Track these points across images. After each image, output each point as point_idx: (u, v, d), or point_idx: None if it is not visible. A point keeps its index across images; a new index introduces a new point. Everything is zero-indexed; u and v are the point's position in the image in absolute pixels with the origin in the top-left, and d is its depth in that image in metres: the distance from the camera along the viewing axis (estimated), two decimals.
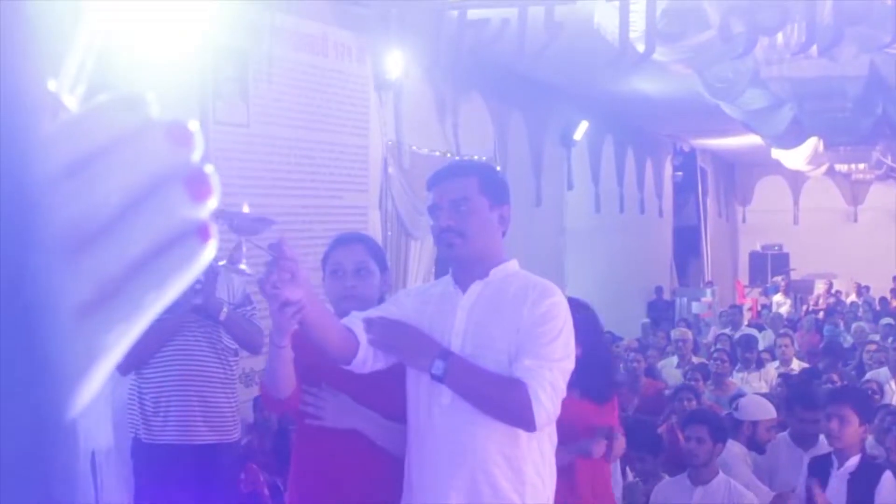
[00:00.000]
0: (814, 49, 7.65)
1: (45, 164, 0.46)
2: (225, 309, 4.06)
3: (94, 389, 0.49)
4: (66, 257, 0.46)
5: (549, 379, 2.55)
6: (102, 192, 0.47)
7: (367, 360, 2.67)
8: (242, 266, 2.32)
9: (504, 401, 2.58)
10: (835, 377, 7.57)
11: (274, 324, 2.47)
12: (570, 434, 3.71)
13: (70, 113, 0.50)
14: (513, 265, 2.79)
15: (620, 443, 3.75)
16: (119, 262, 0.47)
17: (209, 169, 0.50)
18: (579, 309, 3.94)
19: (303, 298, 2.31)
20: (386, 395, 2.84)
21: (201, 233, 0.49)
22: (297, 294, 2.29)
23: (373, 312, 2.78)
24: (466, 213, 2.69)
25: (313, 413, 2.86)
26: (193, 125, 0.50)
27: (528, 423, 2.57)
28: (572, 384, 3.78)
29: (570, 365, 2.66)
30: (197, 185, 0.49)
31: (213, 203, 0.50)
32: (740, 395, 6.50)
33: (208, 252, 0.49)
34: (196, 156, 0.49)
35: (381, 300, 3.07)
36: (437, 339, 2.69)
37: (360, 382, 2.77)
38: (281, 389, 2.72)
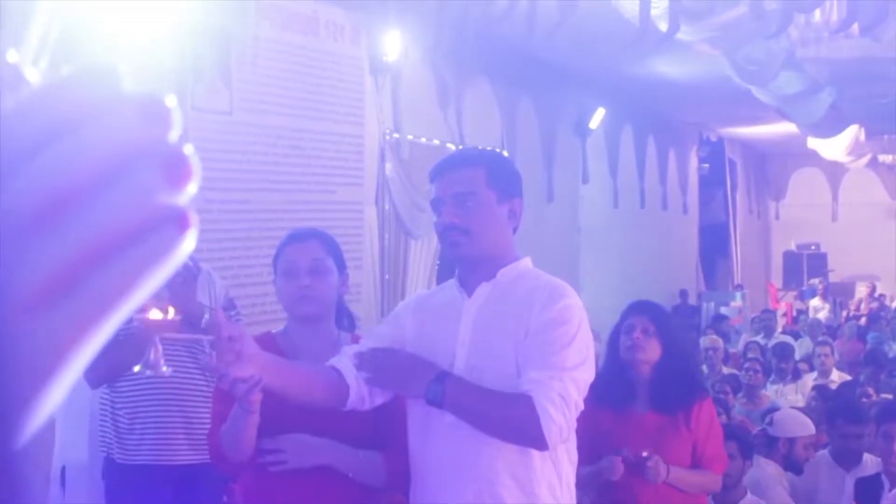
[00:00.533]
0: (855, 27, 7.63)
1: (5, 141, 0.45)
2: (207, 315, 4.05)
3: (55, 403, 0.48)
4: (18, 241, 0.45)
5: (558, 390, 2.53)
6: (67, 174, 0.46)
7: (363, 397, 2.70)
8: (164, 368, 2.34)
9: (509, 420, 2.57)
10: (870, 390, 7.55)
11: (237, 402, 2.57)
12: (642, 448, 3.72)
13: (32, 87, 0.49)
14: (525, 264, 2.78)
15: (656, 463, 3.72)
16: (80, 250, 0.46)
17: (188, 150, 0.49)
18: (648, 312, 3.97)
19: (254, 374, 2.37)
20: (350, 423, 2.82)
21: (180, 221, 0.48)
22: (247, 371, 2.36)
23: (367, 341, 2.79)
24: (472, 208, 2.68)
25: (273, 461, 2.84)
26: (171, 101, 0.49)
27: (538, 442, 2.55)
28: (637, 397, 3.83)
29: (586, 374, 2.63)
30: (175, 168, 0.48)
31: (193, 188, 0.49)
32: (774, 408, 6.48)
33: (188, 243, 0.48)
34: (173, 135, 0.48)
35: (340, 302, 3.07)
36: (441, 350, 2.69)
37: (318, 416, 2.77)
38: (242, 452, 2.75)
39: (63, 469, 4.52)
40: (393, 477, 2.85)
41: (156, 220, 0.47)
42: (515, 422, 2.56)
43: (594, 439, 3.89)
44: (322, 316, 2.98)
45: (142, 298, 0.48)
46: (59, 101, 0.47)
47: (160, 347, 2.33)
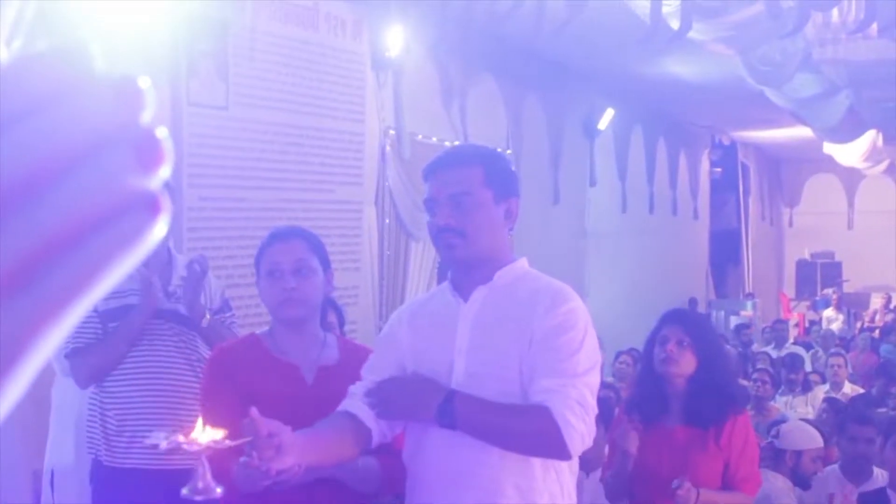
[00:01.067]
0: (873, 28, 7.63)
1: None
2: (207, 315, 4.06)
3: (17, 393, 0.48)
4: None
5: (575, 397, 2.54)
6: (35, 155, 0.46)
7: (385, 433, 2.73)
8: (218, 490, 2.28)
9: (528, 433, 2.58)
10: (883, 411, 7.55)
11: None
12: (676, 468, 3.71)
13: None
14: (521, 265, 2.77)
15: (687, 490, 3.69)
16: (47, 234, 0.46)
17: (162, 133, 0.49)
18: (682, 322, 3.96)
19: (294, 462, 2.39)
20: None
21: (151, 206, 0.48)
22: (288, 462, 2.37)
23: (371, 374, 2.76)
24: (468, 209, 2.67)
25: (279, 480, 2.84)
26: (144, 81, 0.49)
27: (561, 452, 2.56)
28: (670, 410, 3.83)
29: (596, 378, 2.65)
30: (147, 151, 0.48)
31: (165, 172, 0.48)
32: (782, 421, 6.48)
33: (159, 228, 0.48)
34: (146, 117, 0.48)
35: (326, 303, 3.07)
36: (438, 359, 2.69)
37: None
38: (256, 489, 2.76)
39: (52, 473, 4.53)
40: (388, 482, 2.86)
41: (126, 204, 0.47)
42: (535, 434, 2.56)
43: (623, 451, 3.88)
44: (307, 318, 2.98)
45: (110, 285, 0.48)
46: (27, 79, 0.47)
47: (209, 471, 2.28)
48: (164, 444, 2.32)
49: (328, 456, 2.63)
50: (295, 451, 2.38)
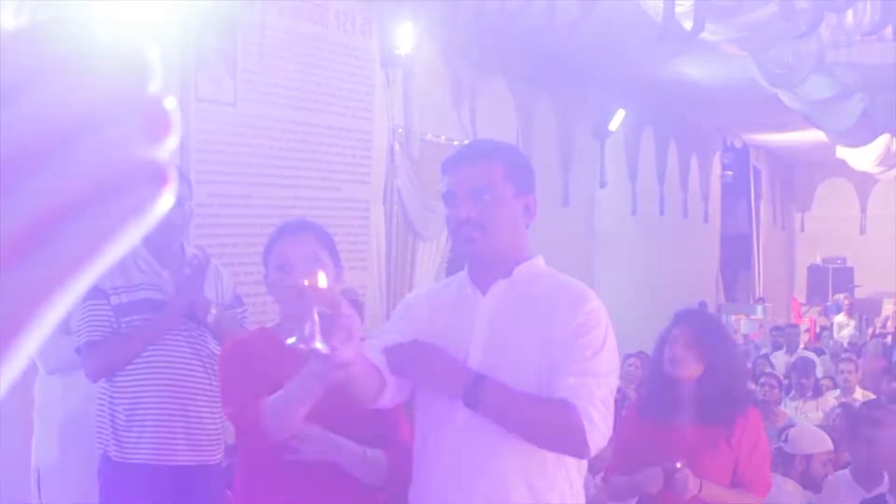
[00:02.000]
0: (889, 30, 7.61)
1: None
2: (213, 310, 4.05)
3: (19, 368, 0.47)
4: None
5: (600, 397, 2.58)
6: (39, 124, 0.46)
7: (394, 396, 2.71)
8: (318, 345, 2.23)
9: (551, 426, 2.60)
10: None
11: (312, 376, 2.47)
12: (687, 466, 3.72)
13: (4, 34, 0.48)
14: (538, 263, 2.80)
15: (685, 475, 3.71)
16: (50, 204, 0.46)
17: (170, 104, 0.48)
18: (691, 322, 3.97)
19: (357, 358, 2.32)
20: (355, 419, 2.83)
21: (157, 177, 0.47)
22: (352, 353, 2.28)
23: (386, 336, 2.76)
24: (489, 203, 2.69)
25: (295, 447, 2.82)
26: (152, 52, 0.49)
27: (581, 449, 2.59)
28: (680, 409, 3.84)
29: (615, 380, 2.70)
30: (154, 122, 0.48)
31: (172, 143, 0.48)
32: (791, 426, 6.47)
33: (165, 200, 0.48)
34: (153, 87, 0.48)
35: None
36: (453, 349, 2.70)
37: (329, 407, 2.75)
38: (288, 428, 2.71)
39: (38, 471, 4.52)
40: (395, 476, 2.86)
41: (132, 174, 0.47)
42: (558, 428, 2.59)
43: (632, 450, 3.90)
44: None
45: (115, 257, 0.48)
46: (31, 48, 0.47)
47: (318, 321, 2.20)
48: (306, 282, 2.29)
49: (365, 381, 2.57)
50: (358, 345, 2.31)
